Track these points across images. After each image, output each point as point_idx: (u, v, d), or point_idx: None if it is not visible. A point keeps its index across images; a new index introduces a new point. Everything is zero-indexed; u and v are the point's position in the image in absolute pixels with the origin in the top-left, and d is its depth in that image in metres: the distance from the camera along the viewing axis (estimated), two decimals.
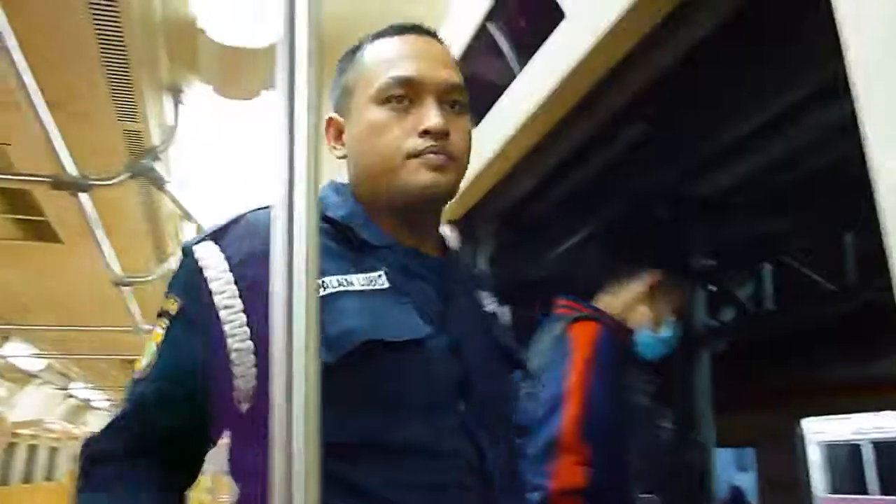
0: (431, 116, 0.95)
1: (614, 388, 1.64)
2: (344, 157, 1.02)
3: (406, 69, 0.97)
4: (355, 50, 1.04)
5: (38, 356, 7.87)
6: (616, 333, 1.73)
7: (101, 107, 2.57)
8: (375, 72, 0.98)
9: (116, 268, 3.41)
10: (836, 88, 0.79)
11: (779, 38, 1.25)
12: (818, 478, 9.91)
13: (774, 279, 2.39)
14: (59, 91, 2.39)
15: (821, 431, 10.08)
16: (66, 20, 2.08)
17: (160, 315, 0.93)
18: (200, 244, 0.92)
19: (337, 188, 1.03)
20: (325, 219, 0.94)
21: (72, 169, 2.55)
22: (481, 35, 1.76)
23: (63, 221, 3.81)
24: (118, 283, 3.46)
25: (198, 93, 2.44)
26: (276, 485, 0.54)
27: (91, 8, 2.00)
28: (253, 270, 0.86)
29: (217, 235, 0.93)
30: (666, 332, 1.80)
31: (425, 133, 0.95)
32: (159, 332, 0.92)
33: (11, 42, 1.77)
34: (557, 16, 1.42)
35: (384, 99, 0.96)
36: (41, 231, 4.14)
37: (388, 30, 1.03)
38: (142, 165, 2.51)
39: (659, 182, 1.79)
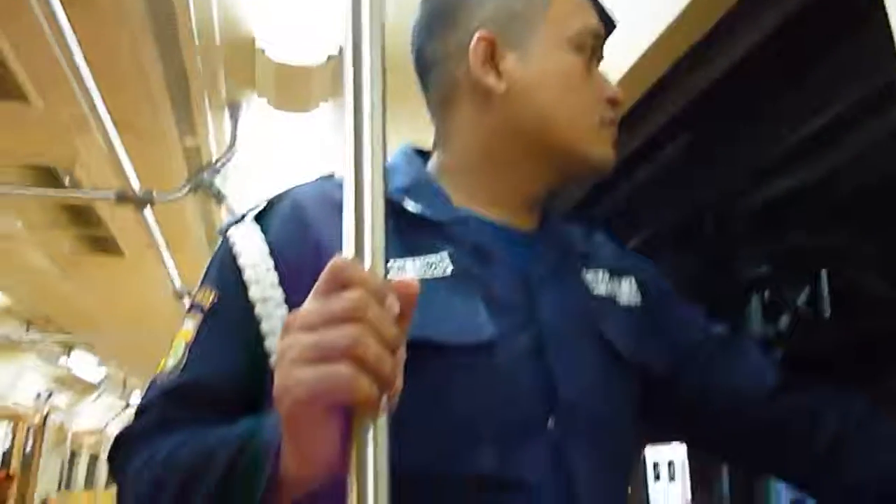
0: (614, 86, 0.85)
1: None
2: (490, 90, 0.81)
3: (598, 22, 0.84)
4: None
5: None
6: None
7: (162, 124, 2.66)
8: (567, 10, 0.83)
9: (177, 280, 3.51)
10: None
11: (840, 41, 1.24)
12: None
13: (832, 287, 2.34)
14: (124, 111, 2.49)
15: None
16: (130, 44, 2.17)
17: (191, 308, 0.79)
18: (238, 226, 0.79)
19: (406, 154, 0.87)
20: None
21: (135, 184, 2.65)
22: None
23: (126, 235, 3.94)
24: (179, 295, 3.56)
25: (256, 107, 2.52)
26: None
27: (154, 31, 2.09)
28: (299, 254, 0.72)
29: (258, 215, 0.79)
30: None
31: (613, 102, 0.84)
32: (189, 328, 0.76)
33: (83, 67, 1.86)
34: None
35: (579, 46, 0.82)
36: (104, 245, 4.29)
37: None
38: (202, 180, 2.59)
39: (714, 189, 1.79)
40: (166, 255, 3.34)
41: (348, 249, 0.55)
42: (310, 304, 0.54)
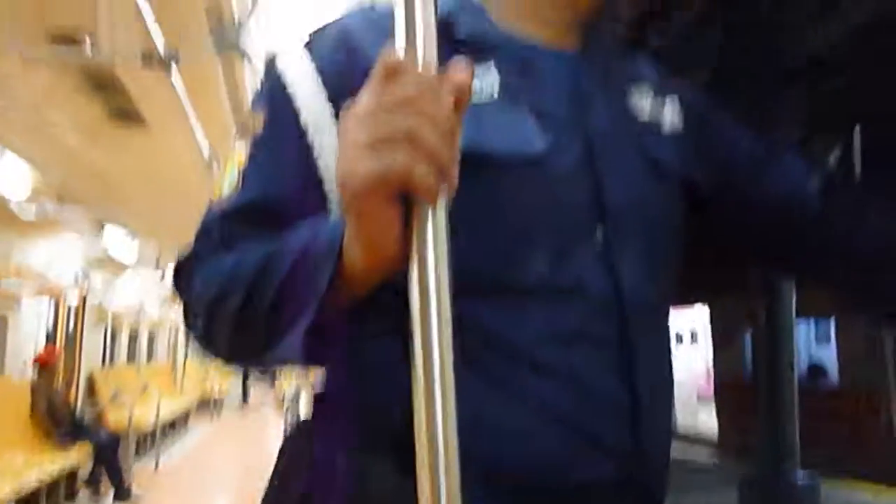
0: None
1: None
2: None
3: None
4: None
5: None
6: None
7: None
8: None
9: (205, 147, 3.51)
10: None
11: None
12: None
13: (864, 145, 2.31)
14: None
15: None
16: None
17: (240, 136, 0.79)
18: (285, 54, 0.78)
19: None
20: None
21: (160, 46, 2.62)
22: None
23: (150, 104, 3.92)
24: (209, 164, 3.57)
25: None
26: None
27: None
28: (349, 79, 0.68)
29: (306, 44, 0.78)
30: None
31: None
32: (241, 154, 0.77)
33: None
34: None
35: None
36: (129, 115, 4.28)
37: None
38: (228, 39, 2.55)
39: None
40: (193, 120, 3.34)
41: (400, 43, 0.55)
42: (365, 97, 0.54)
